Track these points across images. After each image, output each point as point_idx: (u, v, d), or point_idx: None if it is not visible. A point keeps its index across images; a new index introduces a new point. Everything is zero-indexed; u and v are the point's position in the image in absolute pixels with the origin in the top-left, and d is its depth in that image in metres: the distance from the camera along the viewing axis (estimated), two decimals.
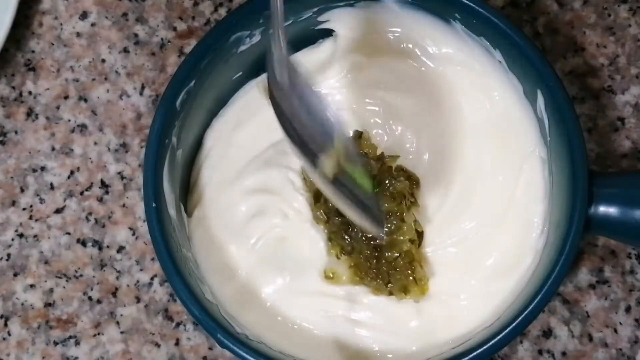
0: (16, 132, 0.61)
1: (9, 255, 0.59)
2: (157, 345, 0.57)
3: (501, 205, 0.53)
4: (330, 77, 0.55)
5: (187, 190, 0.55)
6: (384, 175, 0.52)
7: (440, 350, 0.50)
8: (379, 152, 0.53)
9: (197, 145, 0.56)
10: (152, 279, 0.58)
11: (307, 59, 0.55)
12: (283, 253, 0.53)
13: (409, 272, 0.51)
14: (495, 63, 0.53)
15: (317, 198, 0.52)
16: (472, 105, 0.54)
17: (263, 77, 0.56)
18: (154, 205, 0.50)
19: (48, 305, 0.58)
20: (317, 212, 0.52)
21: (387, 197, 0.51)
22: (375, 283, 0.52)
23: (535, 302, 0.48)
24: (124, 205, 0.59)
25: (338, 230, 0.52)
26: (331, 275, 0.52)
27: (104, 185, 0.60)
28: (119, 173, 0.60)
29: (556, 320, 0.57)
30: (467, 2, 0.50)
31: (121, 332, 0.57)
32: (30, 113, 0.61)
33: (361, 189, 0.45)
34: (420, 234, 0.52)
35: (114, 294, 0.58)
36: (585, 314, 0.57)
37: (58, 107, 0.61)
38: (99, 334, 0.57)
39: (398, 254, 0.51)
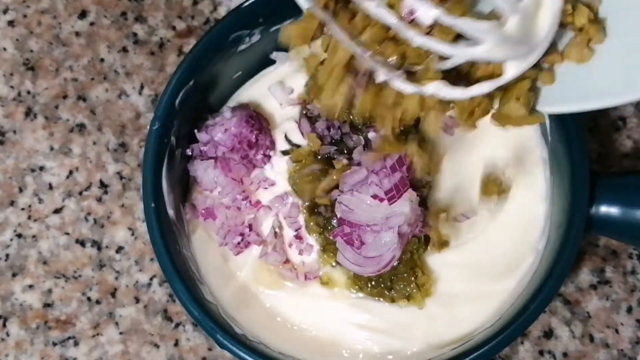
0: (15, 132, 0.60)
1: (7, 255, 0.58)
2: (156, 346, 0.57)
3: (502, 206, 0.53)
4: None
5: (187, 190, 0.55)
6: None
7: (441, 350, 0.50)
8: None
9: None
10: (151, 279, 0.58)
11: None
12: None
13: (412, 278, 0.51)
14: None
15: (311, 210, 0.52)
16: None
17: (262, 75, 0.56)
18: (152, 205, 0.50)
19: (47, 305, 0.58)
20: (311, 223, 0.52)
21: None
22: (376, 291, 0.51)
23: (537, 302, 0.47)
24: (122, 206, 0.59)
25: (333, 243, 0.51)
26: (327, 281, 0.52)
27: (102, 185, 0.60)
28: (118, 173, 0.60)
29: (557, 320, 0.56)
30: None
31: (120, 333, 0.57)
32: (28, 112, 0.61)
33: None
34: (426, 240, 0.52)
35: (113, 295, 0.58)
36: (586, 314, 0.56)
37: (57, 107, 0.61)
38: (98, 334, 0.57)
39: (399, 262, 0.50)
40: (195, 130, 0.53)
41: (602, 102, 0.43)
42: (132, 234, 0.59)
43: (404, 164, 0.49)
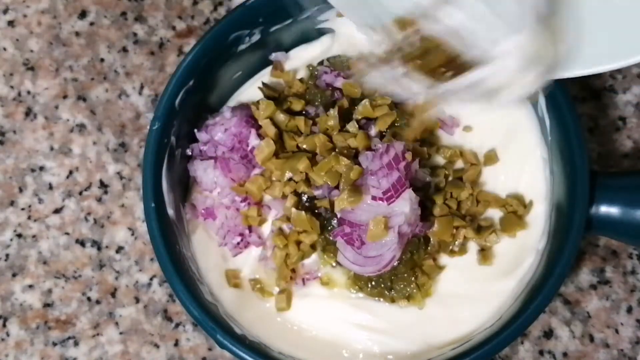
0: (15, 132, 0.60)
1: (7, 255, 0.58)
2: (156, 346, 0.57)
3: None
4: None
5: (187, 190, 0.55)
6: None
7: (441, 350, 0.50)
8: None
9: None
10: (151, 279, 0.58)
11: (304, 52, 0.56)
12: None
13: (412, 278, 0.51)
14: None
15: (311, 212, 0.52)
16: (473, 104, 0.54)
17: (262, 75, 0.56)
18: (152, 205, 0.50)
19: (47, 305, 0.58)
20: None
21: None
22: (376, 291, 0.51)
23: (536, 302, 0.47)
24: (122, 206, 0.59)
25: (333, 243, 0.51)
26: (327, 281, 0.52)
27: (102, 185, 0.60)
28: (118, 173, 0.60)
29: (557, 320, 0.56)
30: None
31: (120, 333, 0.57)
32: (28, 113, 0.61)
33: None
34: (426, 240, 0.52)
35: (113, 295, 0.58)
36: (586, 314, 0.56)
37: (57, 107, 0.61)
38: (98, 334, 0.57)
39: (399, 261, 0.50)
40: (195, 130, 0.53)
41: (599, 67, 0.43)
42: (132, 234, 0.59)
43: (401, 160, 0.49)
